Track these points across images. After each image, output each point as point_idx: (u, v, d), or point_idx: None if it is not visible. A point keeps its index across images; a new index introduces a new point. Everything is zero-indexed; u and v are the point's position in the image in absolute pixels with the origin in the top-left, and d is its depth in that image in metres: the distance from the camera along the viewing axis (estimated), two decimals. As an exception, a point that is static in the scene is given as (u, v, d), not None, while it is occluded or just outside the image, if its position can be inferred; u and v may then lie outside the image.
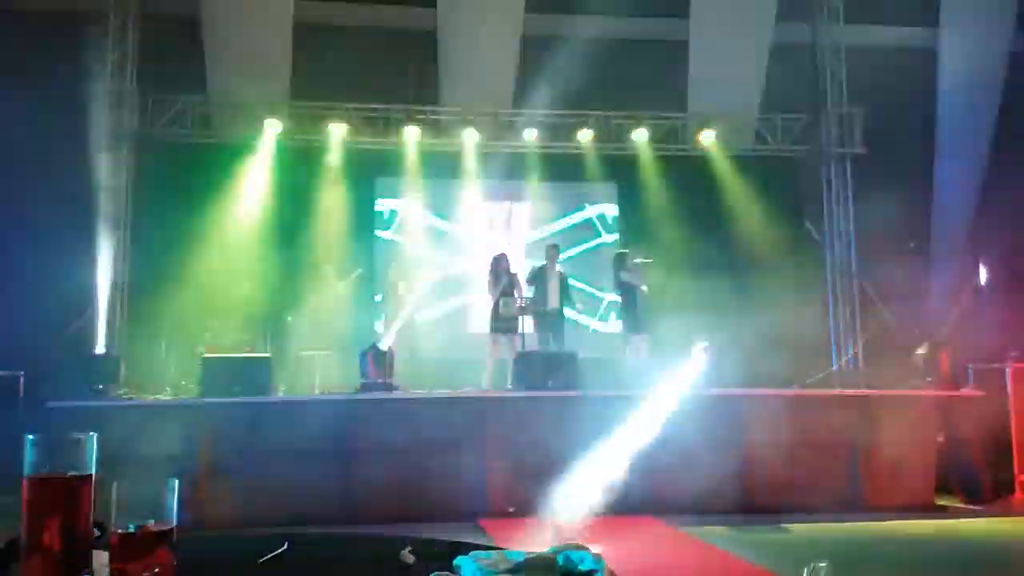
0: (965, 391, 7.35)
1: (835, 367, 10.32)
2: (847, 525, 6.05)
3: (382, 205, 10.58)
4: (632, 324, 9.06)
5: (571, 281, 9.25)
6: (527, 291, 8.92)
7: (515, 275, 8.90)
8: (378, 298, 9.57)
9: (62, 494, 1.09)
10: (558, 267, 9.15)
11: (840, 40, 10.70)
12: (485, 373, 8.58)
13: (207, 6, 9.54)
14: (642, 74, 10.42)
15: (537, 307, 8.84)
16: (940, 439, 7.06)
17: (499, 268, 8.82)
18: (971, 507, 6.88)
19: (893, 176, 9.87)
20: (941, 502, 6.92)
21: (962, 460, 7.11)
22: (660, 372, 7.82)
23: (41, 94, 8.91)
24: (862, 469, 6.72)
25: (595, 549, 1.23)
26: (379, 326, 9.07)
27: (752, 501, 6.42)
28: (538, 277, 9.02)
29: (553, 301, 8.91)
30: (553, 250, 9.24)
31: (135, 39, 9.58)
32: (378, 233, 10.50)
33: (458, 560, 1.23)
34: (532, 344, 8.97)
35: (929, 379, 7.59)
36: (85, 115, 9.22)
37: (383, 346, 8.10)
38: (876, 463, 6.74)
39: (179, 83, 9.70)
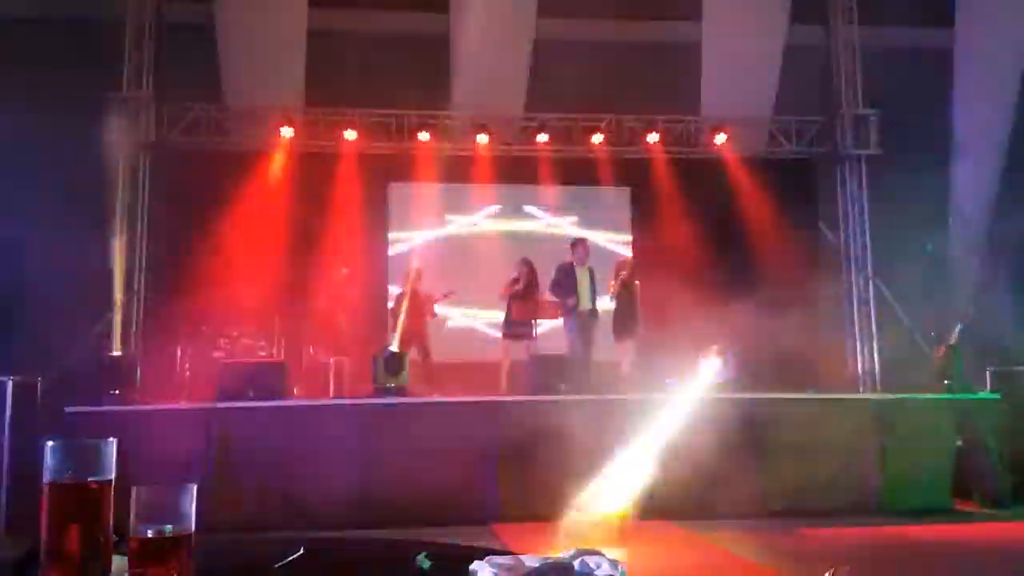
0: (984, 394, 7.28)
1: (852, 370, 10.25)
2: (864, 529, 6.00)
3: (395, 210, 10.60)
4: (627, 328, 8.91)
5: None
6: (554, 294, 8.73)
7: (531, 281, 8.85)
8: (391, 303, 9.58)
9: (82, 500, 1.10)
10: (588, 263, 8.86)
11: (854, 41, 10.64)
12: (501, 377, 8.57)
13: (222, 14, 9.60)
14: (655, 77, 10.40)
15: (570, 308, 8.58)
16: (958, 442, 6.99)
17: (516, 274, 8.82)
18: (989, 511, 6.81)
19: (909, 177, 9.79)
20: (959, 507, 6.85)
21: (980, 464, 7.04)
22: (671, 376, 7.81)
23: (57, 102, 9.00)
24: (879, 473, 6.67)
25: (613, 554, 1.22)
26: (392, 330, 9.09)
27: (768, 505, 6.39)
28: (567, 277, 8.71)
29: (585, 301, 8.64)
30: (581, 244, 8.97)
31: (151, 47, 9.66)
32: (391, 237, 10.53)
33: (474, 565, 1.22)
34: (559, 347, 8.88)
35: (947, 381, 7.52)
36: (101, 122, 9.31)
37: (397, 350, 8.12)
38: (894, 467, 6.69)
39: (194, 90, 9.78)
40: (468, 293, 10.46)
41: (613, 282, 8.95)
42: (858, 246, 10.55)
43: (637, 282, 9.05)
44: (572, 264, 8.79)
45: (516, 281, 8.85)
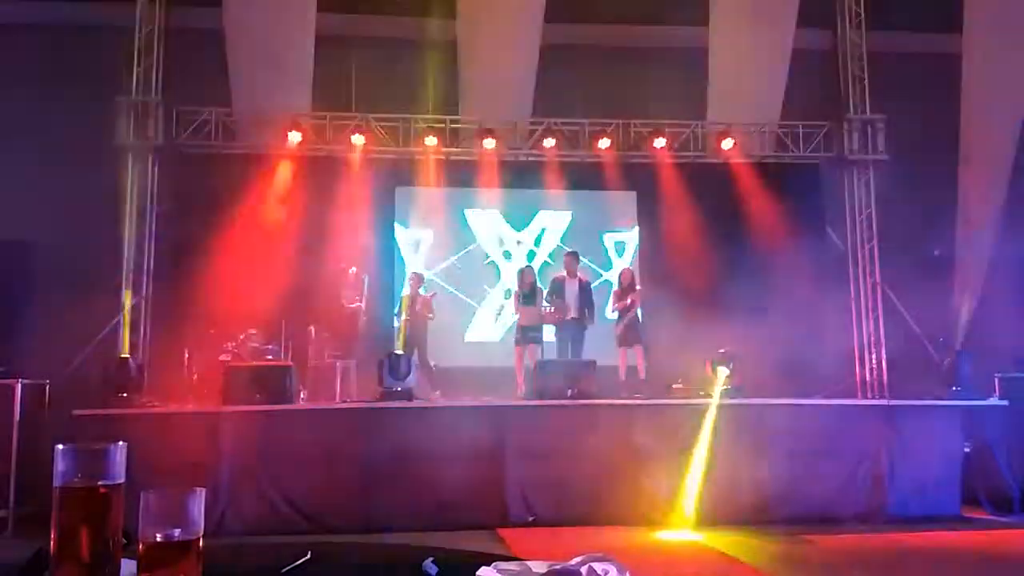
0: (992, 400, 7.25)
1: (859, 376, 10.20)
2: (872, 536, 5.97)
3: (402, 215, 10.61)
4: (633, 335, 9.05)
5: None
6: (546, 303, 8.95)
7: (539, 287, 8.99)
8: (396, 311, 9.57)
9: (91, 504, 1.10)
10: (579, 275, 9.14)
11: (862, 46, 10.63)
12: (520, 384, 8.63)
13: (231, 19, 9.64)
14: (661, 82, 10.40)
15: (558, 317, 8.84)
16: (966, 449, 6.95)
17: (523, 281, 8.94)
18: (998, 518, 6.77)
19: (916, 182, 9.76)
20: (967, 513, 6.81)
21: (989, 471, 7.00)
22: (675, 382, 7.80)
23: (67, 106, 9.07)
24: (887, 480, 6.63)
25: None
26: (398, 334, 9.10)
27: (775, 512, 6.36)
28: (557, 287, 9.02)
29: (572, 311, 8.90)
30: (572, 257, 9.23)
31: (161, 52, 9.72)
32: (398, 242, 10.54)
33: (482, 571, 1.23)
34: (552, 354, 8.98)
35: (956, 388, 7.48)
36: (111, 127, 9.37)
37: (403, 354, 8.11)
38: (901, 474, 6.65)
39: (204, 95, 9.82)
40: (474, 297, 10.50)
41: (619, 291, 9.10)
42: (865, 251, 10.52)
43: (639, 287, 9.22)
44: (563, 277, 9.08)
45: (520, 289, 8.99)
